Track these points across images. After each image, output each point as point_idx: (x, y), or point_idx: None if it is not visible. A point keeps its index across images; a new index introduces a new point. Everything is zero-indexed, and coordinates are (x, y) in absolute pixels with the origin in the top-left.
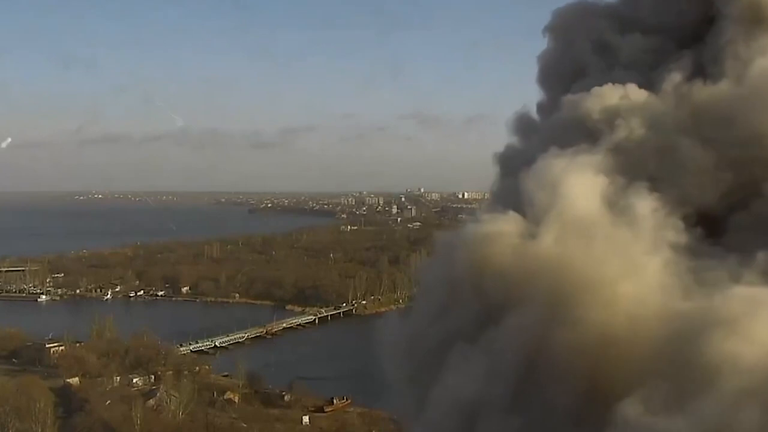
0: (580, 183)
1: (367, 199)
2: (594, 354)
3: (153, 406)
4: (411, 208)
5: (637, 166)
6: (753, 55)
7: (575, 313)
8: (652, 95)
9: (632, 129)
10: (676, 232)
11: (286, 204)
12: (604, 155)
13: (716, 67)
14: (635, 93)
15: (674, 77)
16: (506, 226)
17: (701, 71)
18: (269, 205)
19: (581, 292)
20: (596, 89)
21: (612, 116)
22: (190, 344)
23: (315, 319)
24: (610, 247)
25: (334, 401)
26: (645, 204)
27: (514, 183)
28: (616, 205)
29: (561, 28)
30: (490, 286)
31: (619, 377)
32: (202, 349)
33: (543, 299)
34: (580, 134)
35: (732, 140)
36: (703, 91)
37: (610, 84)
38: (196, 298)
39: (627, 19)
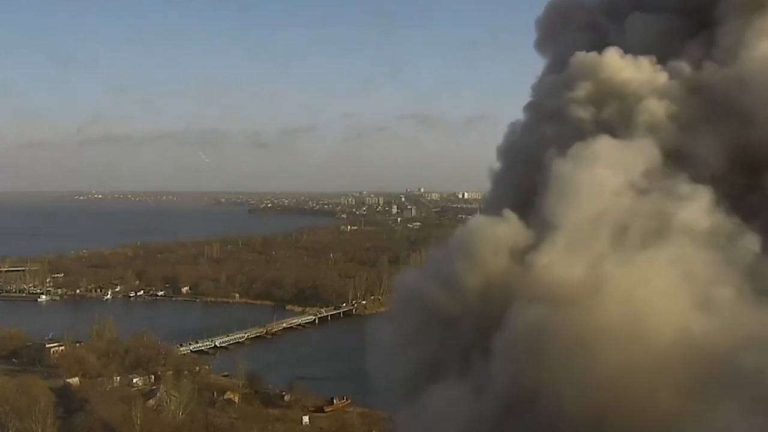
0: (602, 182)
1: (367, 199)
2: (616, 384)
3: (153, 406)
4: (411, 208)
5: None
6: (749, 40)
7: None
8: (666, 77)
9: (650, 118)
10: (734, 230)
11: (286, 204)
12: (627, 149)
13: (719, 51)
14: (647, 69)
15: (684, 66)
16: (505, 230)
17: (711, 54)
18: (269, 205)
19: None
20: (588, 57)
21: (624, 97)
22: (190, 344)
23: (315, 319)
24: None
25: (334, 401)
26: (697, 203)
27: (520, 182)
28: (654, 202)
29: (552, 35)
30: (489, 295)
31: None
32: (202, 349)
33: (548, 318)
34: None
35: (732, 131)
36: (709, 77)
37: (614, 50)
38: (196, 298)
39: (623, 8)
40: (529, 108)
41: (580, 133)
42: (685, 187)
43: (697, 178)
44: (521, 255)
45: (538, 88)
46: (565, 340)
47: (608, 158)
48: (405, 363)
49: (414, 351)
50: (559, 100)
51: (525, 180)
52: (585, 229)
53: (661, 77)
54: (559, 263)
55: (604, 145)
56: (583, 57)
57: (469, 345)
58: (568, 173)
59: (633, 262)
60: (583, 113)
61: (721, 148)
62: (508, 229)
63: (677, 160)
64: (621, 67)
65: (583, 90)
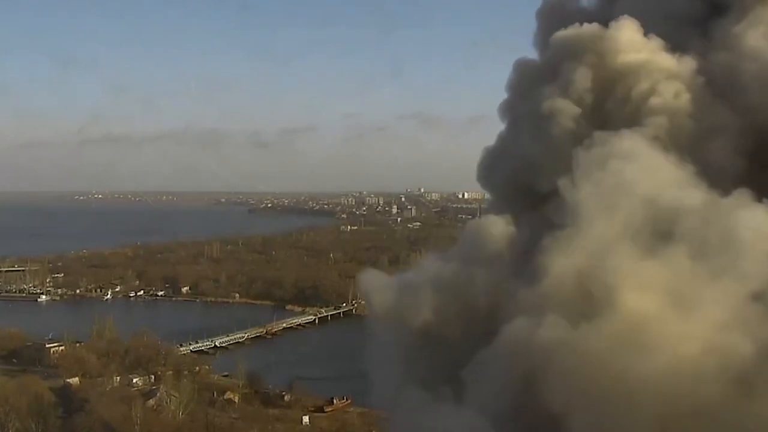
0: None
1: (367, 199)
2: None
3: (153, 406)
4: (411, 208)
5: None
6: (745, 30)
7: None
8: (690, 65)
9: (667, 121)
10: None
11: (286, 204)
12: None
13: (720, 42)
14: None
15: (690, 60)
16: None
17: (714, 45)
18: (269, 205)
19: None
20: (581, 33)
21: (629, 87)
22: (190, 344)
23: (315, 319)
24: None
25: (334, 401)
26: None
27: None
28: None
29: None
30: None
31: None
32: (202, 349)
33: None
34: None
35: (739, 126)
36: (713, 69)
37: (627, 21)
38: (196, 298)
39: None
40: (506, 109)
41: (574, 138)
42: (734, 194)
43: (713, 182)
44: (525, 262)
45: (517, 82)
46: (576, 353)
47: (632, 157)
48: (403, 369)
49: (410, 360)
50: (541, 96)
51: (520, 183)
52: (604, 237)
53: (683, 65)
54: (571, 271)
55: (625, 142)
56: (573, 33)
57: (469, 355)
58: (584, 174)
59: (657, 271)
60: (574, 112)
61: (732, 147)
62: (512, 233)
63: (693, 162)
64: (632, 45)
65: (578, 80)
